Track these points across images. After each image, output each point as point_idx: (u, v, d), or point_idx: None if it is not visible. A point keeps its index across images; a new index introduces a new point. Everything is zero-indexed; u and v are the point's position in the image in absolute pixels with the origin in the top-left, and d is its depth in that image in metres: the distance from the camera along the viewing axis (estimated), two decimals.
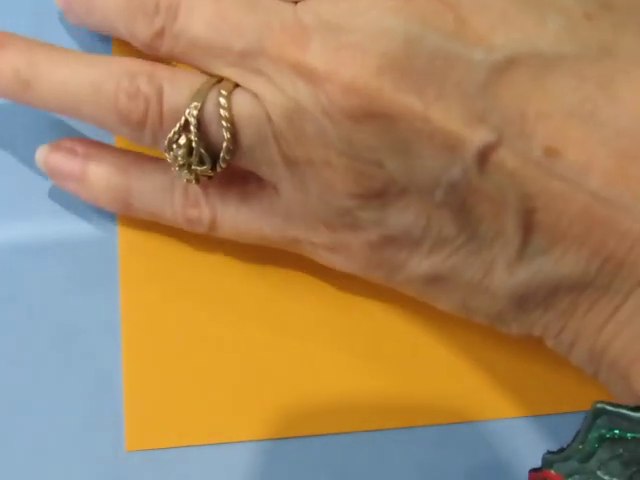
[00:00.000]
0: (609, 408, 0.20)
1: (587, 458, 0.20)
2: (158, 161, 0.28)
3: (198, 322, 0.29)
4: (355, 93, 0.22)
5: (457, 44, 0.22)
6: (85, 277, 0.29)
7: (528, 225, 0.23)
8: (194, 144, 0.25)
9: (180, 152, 0.25)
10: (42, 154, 0.28)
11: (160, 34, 0.25)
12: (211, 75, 0.25)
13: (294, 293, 0.29)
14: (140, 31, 0.25)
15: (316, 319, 0.29)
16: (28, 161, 0.29)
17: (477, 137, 0.22)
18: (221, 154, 0.25)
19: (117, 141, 0.29)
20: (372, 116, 0.23)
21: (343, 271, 0.27)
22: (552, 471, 0.20)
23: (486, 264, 0.24)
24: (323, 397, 0.28)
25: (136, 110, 0.25)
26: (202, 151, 0.25)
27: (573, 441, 0.20)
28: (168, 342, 0.28)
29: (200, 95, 0.24)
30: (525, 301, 0.24)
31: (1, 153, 0.30)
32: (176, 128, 0.25)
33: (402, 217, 0.24)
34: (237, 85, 0.25)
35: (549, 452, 0.21)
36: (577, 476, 0.20)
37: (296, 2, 0.24)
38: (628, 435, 0.20)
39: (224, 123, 0.24)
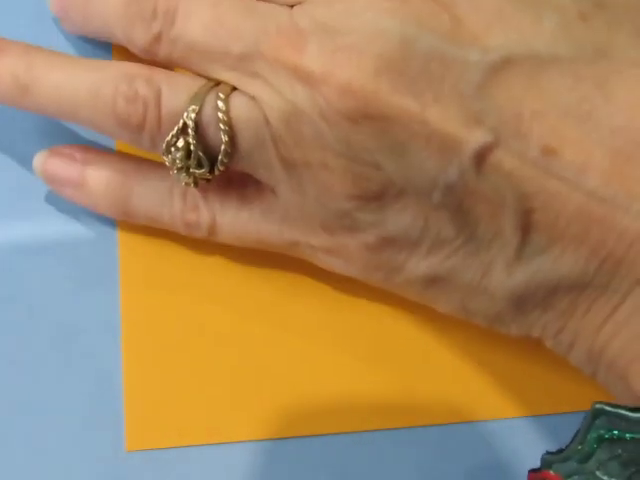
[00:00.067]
0: (608, 409, 0.20)
1: (586, 458, 0.20)
2: (157, 166, 0.28)
3: (198, 322, 0.29)
4: (351, 95, 0.23)
5: (453, 45, 0.22)
6: (85, 277, 0.29)
7: (526, 225, 0.23)
8: (192, 147, 0.25)
9: (178, 155, 0.25)
10: (40, 160, 0.28)
11: (158, 39, 0.25)
12: (209, 79, 0.25)
13: (293, 292, 0.29)
14: (138, 36, 0.26)
15: (315, 319, 0.29)
16: (28, 161, 0.29)
17: (474, 138, 0.22)
18: (219, 157, 0.25)
19: (117, 145, 0.29)
20: (369, 118, 0.23)
21: (342, 274, 0.27)
22: (551, 471, 0.20)
23: (484, 265, 0.24)
24: (323, 397, 0.29)
25: (134, 113, 0.25)
26: (200, 154, 0.25)
27: (572, 442, 0.21)
28: (168, 342, 0.28)
29: (198, 98, 0.25)
30: (524, 302, 0.24)
31: (1, 153, 0.30)
32: (174, 131, 0.25)
33: (400, 219, 0.24)
34: (235, 88, 0.25)
35: (548, 452, 0.21)
36: (576, 476, 0.20)
37: (292, 6, 0.24)
38: (627, 436, 0.20)
39: (222, 126, 0.24)
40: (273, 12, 0.24)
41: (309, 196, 0.25)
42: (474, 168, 0.22)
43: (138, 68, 0.26)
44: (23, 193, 0.29)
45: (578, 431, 0.21)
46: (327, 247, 0.26)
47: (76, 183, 0.28)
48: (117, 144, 0.29)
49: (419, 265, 0.25)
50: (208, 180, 0.26)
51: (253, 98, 0.24)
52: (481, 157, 0.22)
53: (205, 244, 0.29)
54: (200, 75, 0.25)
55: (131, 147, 0.28)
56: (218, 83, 0.25)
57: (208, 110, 0.24)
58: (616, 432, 0.20)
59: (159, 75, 0.25)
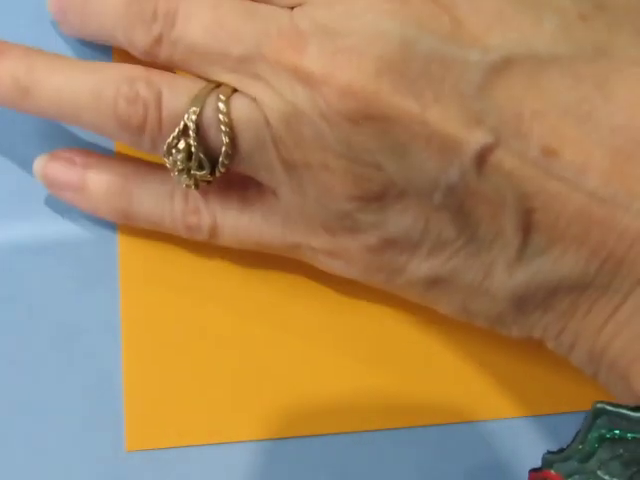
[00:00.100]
0: (609, 408, 0.20)
1: (587, 458, 0.20)
2: (157, 169, 0.28)
3: (198, 322, 0.29)
4: (352, 96, 0.23)
5: (453, 46, 0.22)
6: (85, 277, 0.29)
7: (527, 226, 0.23)
8: (193, 149, 0.25)
9: (179, 157, 0.25)
10: (40, 165, 0.28)
11: (158, 41, 0.25)
12: (209, 81, 0.25)
13: (293, 293, 0.29)
14: (138, 39, 0.26)
15: (315, 319, 0.29)
16: (28, 162, 0.29)
17: (474, 139, 0.22)
18: (220, 159, 0.25)
19: (116, 147, 0.29)
20: (370, 118, 0.23)
21: (344, 276, 0.27)
22: (552, 471, 0.20)
23: (485, 266, 0.24)
24: (323, 397, 0.29)
25: (135, 115, 0.25)
26: (201, 156, 0.25)
27: (573, 441, 0.21)
28: (168, 342, 0.29)
29: (199, 100, 0.25)
30: (525, 302, 0.24)
31: (1, 153, 0.30)
32: (175, 133, 0.25)
33: (401, 220, 0.24)
34: (235, 90, 0.25)
35: (549, 452, 0.21)
36: (577, 476, 0.20)
37: (292, 8, 0.24)
38: (628, 435, 0.20)
39: (223, 128, 0.24)
40: (274, 14, 0.24)
41: (310, 197, 0.25)
42: (475, 169, 0.23)
43: (139, 70, 0.26)
44: (23, 193, 0.29)
45: (579, 431, 0.21)
46: (328, 249, 0.26)
47: (76, 187, 0.28)
48: (117, 146, 0.29)
49: (420, 266, 0.25)
50: (209, 182, 0.26)
51: (254, 100, 0.24)
52: (482, 157, 0.22)
53: (205, 244, 0.29)
54: (201, 77, 0.25)
55: (131, 149, 0.28)
56: (219, 85, 0.25)
57: (209, 112, 0.24)
58: (617, 432, 0.20)
59: (160, 77, 0.25)
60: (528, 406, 0.29)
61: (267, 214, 0.27)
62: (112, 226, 0.29)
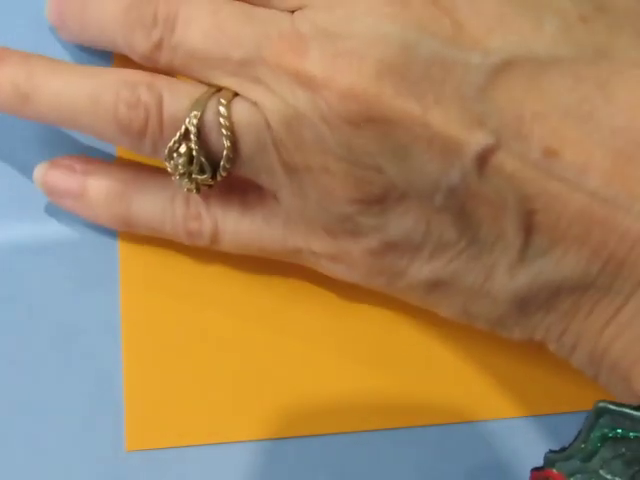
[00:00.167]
0: (612, 407, 0.20)
1: (589, 457, 0.20)
2: (158, 175, 0.28)
3: (198, 322, 0.29)
4: (353, 99, 0.23)
5: (454, 49, 0.22)
6: (85, 277, 0.29)
7: (528, 227, 0.23)
8: (194, 152, 0.25)
9: (180, 161, 0.25)
10: (40, 172, 0.28)
11: (158, 46, 0.25)
12: (210, 85, 0.25)
13: (293, 295, 0.29)
14: (138, 44, 0.25)
15: (314, 320, 0.29)
16: (28, 162, 0.29)
17: (475, 140, 0.22)
18: (221, 162, 0.25)
19: (118, 152, 0.29)
20: (371, 121, 0.23)
21: (344, 280, 0.27)
22: (554, 470, 0.21)
23: (487, 268, 0.24)
24: (322, 397, 0.29)
25: (136, 119, 0.25)
26: (202, 160, 0.25)
27: (575, 440, 0.21)
28: (168, 342, 0.29)
29: (200, 104, 0.25)
30: (526, 304, 0.24)
31: (1, 152, 0.30)
32: (176, 137, 0.25)
33: (402, 222, 0.24)
34: (236, 94, 0.25)
35: (551, 451, 0.21)
36: (579, 475, 0.20)
37: (293, 12, 0.24)
38: (631, 434, 0.20)
39: (224, 131, 0.24)
40: (274, 18, 0.24)
41: (311, 200, 0.25)
42: (476, 170, 0.23)
43: (139, 75, 0.25)
44: (23, 193, 0.29)
45: (581, 430, 0.21)
46: (329, 253, 0.26)
47: (76, 194, 0.28)
48: (118, 151, 0.29)
49: (422, 269, 0.25)
50: (210, 186, 0.26)
51: (254, 103, 0.24)
52: (483, 159, 0.22)
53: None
54: (201, 81, 0.25)
55: (133, 155, 0.28)
56: (219, 89, 0.25)
57: (210, 115, 0.24)
58: (620, 431, 0.20)
59: (160, 81, 0.25)
60: (528, 406, 0.29)
61: (268, 218, 0.27)
62: None
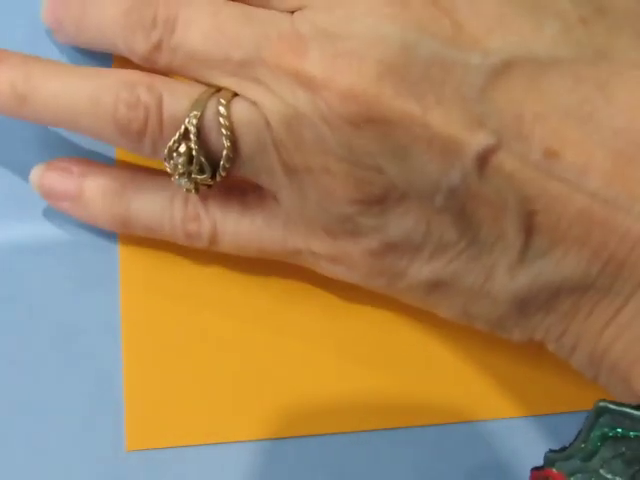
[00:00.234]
0: (612, 407, 0.20)
1: (589, 457, 0.20)
2: (156, 177, 0.28)
3: (198, 322, 0.29)
4: (353, 100, 0.23)
5: (454, 49, 0.22)
6: (85, 277, 0.29)
7: (529, 228, 0.23)
8: (194, 152, 0.25)
9: (180, 160, 0.25)
10: (37, 175, 0.28)
11: (158, 47, 0.25)
12: (209, 85, 0.25)
13: (291, 295, 0.29)
14: (138, 45, 0.25)
15: (313, 320, 0.29)
16: (28, 161, 0.28)
17: (476, 141, 0.22)
18: (221, 162, 0.25)
19: (117, 153, 0.29)
20: (371, 122, 0.23)
21: (344, 281, 0.27)
22: (554, 470, 0.21)
23: (487, 269, 0.24)
24: (321, 397, 0.29)
25: (136, 119, 0.25)
26: (202, 159, 0.25)
27: (575, 440, 0.21)
28: (168, 342, 0.29)
29: (199, 104, 0.25)
30: (526, 305, 0.24)
31: (1, 153, 0.30)
32: (176, 136, 0.25)
33: (402, 223, 0.24)
34: (235, 94, 0.25)
35: (551, 451, 0.21)
36: (579, 475, 0.20)
37: (292, 12, 0.24)
38: (631, 434, 0.20)
39: (224, 131, 0.24)
40: (273, 19, 0.24)
41: (311, 201, 0.25)
42: (476, 171, 0.23)
43: (138, 75, 0.25)
44: (23, 193, 0.29)
45: (581, 429, 0.21)
46: (329, 253, 0.26)
47: (73, 196, 0.28)
48: (117, 153, 0.29)
49: (422, 270, 0.25)
50: (209, 186, 0.26)
51: (254, 103, 0.24)
52: (483, 160, 0.22)
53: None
54: (200, 82, 0.25)
55: (132, 156, 0.28)
56: (219, 89, 0.25)
57: (210, 115, 0.24)
58: (620, 430, 0.20)
59: (160, 82, 0.25)
60: (528, 406, 0.29)
61: (268, 219, 0.27)
62: None
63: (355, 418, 0.29)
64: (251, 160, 0.25)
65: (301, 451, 0.28)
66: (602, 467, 0.20)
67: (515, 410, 0.29)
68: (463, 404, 0.29)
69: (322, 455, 0.28)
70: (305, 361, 0.29)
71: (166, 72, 0.26)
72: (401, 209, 0.24)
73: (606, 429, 0.20)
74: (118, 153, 0.29)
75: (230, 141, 0.24)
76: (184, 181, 0.26)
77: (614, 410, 0.20)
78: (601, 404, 0.20)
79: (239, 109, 0.24)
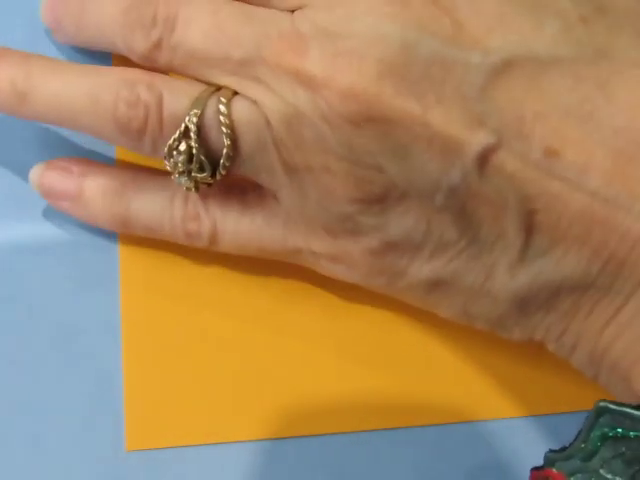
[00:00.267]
0: (612, 407, 0.20)
1: (589, 457, 0.20)
2: (156, 176, 0.28)
3: (198, 322, 0.29)
4: (353, 99, 0.23)
5: (454, 48, 0.22)
6: (85, 277, 0.29)
7: (529, 227, 0.23)
8: (194, 151, 0.25)
9: (180, 159, 0.25)
10: (36, 174, 0.28)
11: (158, 46, 0.25)
12: (210, 84, 0.25)
13: (291, 294, 0.29)
14: (137, 44, 0.25)
15: (313, 320, 0.29)
16: (28, 161, 0.28)
17: (476, 140, 0.22)
18: (221, 161, 0.25)
19: (117, 152, 0.29)
20: (371, 121, 0.23)
21: (345, 281, 0.27)
22: (554, 469, 0.21)
23: (487, 267, 0.24)
24: (321, 397, 0.29)
25: (136, 118, 0.25)
26: (202, 158, 0.25)
27: (575, 440, 0.21)
28: (168, 342, 0.29)
29: (200, 102, 0.25)
30: (527, 304, 0.24)
31: (1, 152, 0.30)
32: (176, 135, 0.25)
33: (403, 222, 0.24)
34: (236, 93, 0.25)
35: (551, 450, 0.21)
36: (579, 475, 0.20)
37: (293, 11, 0.24)
38: (631, 434, 0.20)
39: (224, 129, 0.24)
40: (274, 17, 0.24)
41: (311, 200, 0.25)
42: (477, 170, 0.23)
43: (139, 74, 0.25)
44: (23, 193, 0.29)
45: (581, 429, 0.21)
46: (330, 253, 0.26)
47: (73, 196, 0.28)
48: (117, 153, 0.29)
49: (422, 269, 0.25)
50: (209, 185, 0.26)
51: (254, 102, 0.24)
52: (484, 159, 0.22)
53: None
54: (200, 81, 0.25)
55: (132, 155, 0.28)
56: (219, 88, 0.25)
57: (210, 114, 0.24)
58: (620, 430, 0.20)
59: (160, 80, 0.25)
60: (528, 406, 0.29)
61: (268, 218, 0.27)
62: None
63: (355, 418, 0.29)
64: (251, 159, 0.25)
65: (301, 451, 0.28)
66: (602, 467, 0.20)
67: (515, 410, 0.29)
68: (463, 404, 0.29)
69: (322, 455, 0.28)
70: (305, 361, 0.29)
71: (166, 71, 0.26)
72: (401, 208, 0.24)
73: (606, 429, 0.20)
74: (118, 153, 0.29)
75: (230, 140, 0.24)
76: (184, 180, 0.26)
77: (614, 410, 0.20)
78: (601, 404, 0.20)
79: (239, 108, 0.24)
